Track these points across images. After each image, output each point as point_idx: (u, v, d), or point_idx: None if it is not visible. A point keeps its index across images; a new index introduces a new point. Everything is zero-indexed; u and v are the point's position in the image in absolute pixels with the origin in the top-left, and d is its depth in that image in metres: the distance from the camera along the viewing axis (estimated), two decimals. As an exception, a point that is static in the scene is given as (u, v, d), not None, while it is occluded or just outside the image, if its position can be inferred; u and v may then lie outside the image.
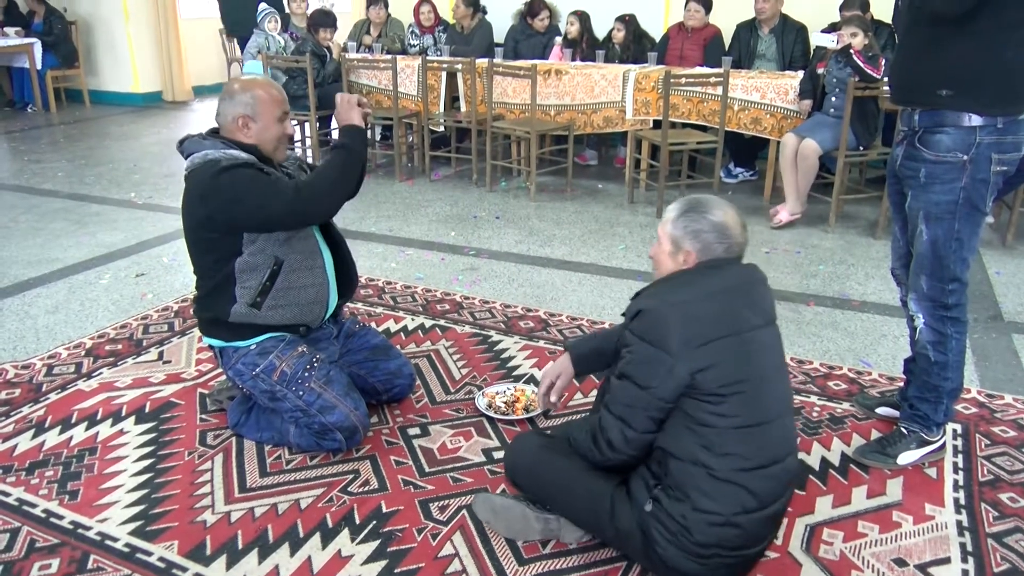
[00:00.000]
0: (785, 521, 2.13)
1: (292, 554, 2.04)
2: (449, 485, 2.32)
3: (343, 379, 2.46)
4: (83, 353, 3.12)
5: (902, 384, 2.60)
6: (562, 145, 5.93)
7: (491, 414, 2.67)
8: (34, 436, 2.56)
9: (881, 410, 2.69)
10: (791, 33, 5.81)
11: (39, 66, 8.78)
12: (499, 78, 5.72)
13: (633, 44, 6.20)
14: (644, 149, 5.43)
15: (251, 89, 2.37)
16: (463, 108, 6.08)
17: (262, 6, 6.90)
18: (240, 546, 2.07)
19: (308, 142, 6.53)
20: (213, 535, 2.11)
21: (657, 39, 6.35)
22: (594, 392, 2.25)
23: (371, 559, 2.02)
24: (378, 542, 2.08)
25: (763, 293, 1.91)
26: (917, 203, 2.26)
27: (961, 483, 2.34)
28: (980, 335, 3.34)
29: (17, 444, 2.51)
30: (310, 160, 6.17)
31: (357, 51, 6.81)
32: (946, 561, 2.03)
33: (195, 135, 2.42)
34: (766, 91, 5.07)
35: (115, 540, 2.09)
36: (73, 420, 2.65)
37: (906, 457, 2.40)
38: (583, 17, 6.35)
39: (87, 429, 2.60)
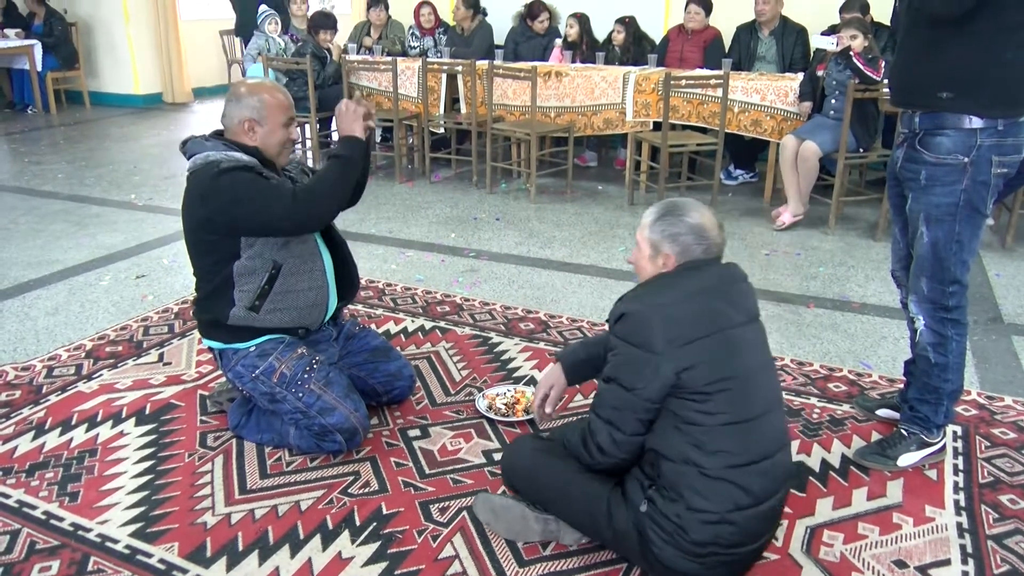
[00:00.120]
0: (785, 523, 2.14)
1: (292, 556, 2.04)
2: (449, 487, 2.32)
3: (343, 381, 2.46)
4: (83, 355, 3.12)
5: (902, 386, 2.60)
6: (562, 147, 5.93)
7: (491, 416, 2.67)
8: (34, 438, 2.56)
9: (881, 412, 2.69)
10: (791, 35, 5.82)
11: (39, 68, 8.78)
12: (499, 80, 5.73)
13: (633, 46, 6.21)
14: (644, 151, 5.44)
15: (258, 93, 2.37)
16: (463, 110, 6.08)
17: (262, 8, 6.91)
18: (240, 548, 2.07)
19: (308, 144, 6.53)
20: (213, 537, 2.11)
21: (657, 41, 6.36)
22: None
23: (371, 561, 2.02)
24: (378, 544, 2.08)
25: (744, 291, 1.93)
26: (917, 205, 2.27)
27: (961, 485, 2.34)
28: (980, 337, 3.34)
29: (17, 446, 2.51)
30: (310, 163, 6.17)
31: (357, 53, 6.82)
32: (946, 563, 2.03)
33: (198, 136, 2.42)
34: (766, 93, 5.08)
35: (115, 542, 2.09)
36: (73, 422, 2.65)
37: (906, 459, 2.40)
38: (582, 19, 6.35)
39: (87, 431, 2.60)
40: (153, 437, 2.57)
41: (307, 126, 6.26)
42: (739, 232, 4.78)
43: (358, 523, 2.16)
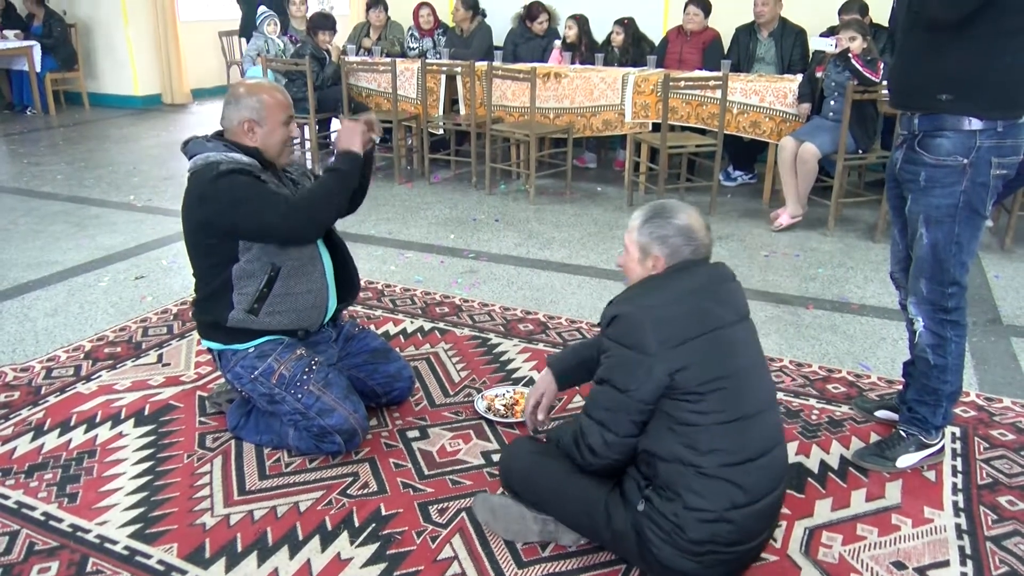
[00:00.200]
0: (784, 524, 2.14)
1: (291, 557, 2.04)
2: (448, 488, 2.32)
3: (342, 382, 2.46)
4: (82, 356, 3.12)
5: (901, 387, 2.60)
6: (561, 148, 5.93)
7: (490, 417, 2.67)
8: (33, 439, 2.55)
9: (880, 413, 2.69)
10: (790, 37, 5.82)
11: (38, 69, 8.77)
12: (498, 81, 5.73)
13: (632, 47, 6.21)
14: (643, 152, 5.44)
15: (257, 93, 2.37)
16: (462, 111, 6.08)
17: (261, 9, 6.91)
18: (239, 549, 2.07)
19: (308, 145, 6.53)
20: (212, 538, 2.11)
21: (656, 42, 6.36)
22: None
23: (370, 562, 2.02)
24: (377, 545, 2.08)
25: (733, 290, 1.95)
26: (917, 207, 2.27)
27: (960, 486, 2.34)
28: (979, 339, 3.34)
29: (16, 447, 2.51)
30: (309, 164, 6.17)
31: (356, 54, 6.82)
32: (945, 564, 2.03)
33: (200, 137, 2.42)
34: (765, 94, 5.08)
35: (114, 543, 2.08)
36: (72, 423, 2.65)
37: (905, 460, 2.40)
38: (581, 21, 6.35)
39: (86, 432, 2.60)
40: (152, 438, 2.57)
41: (306, 127, 6.26)
42: (738, 233, 4.79)
43: (357, 524, 2.16)
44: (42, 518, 2.18)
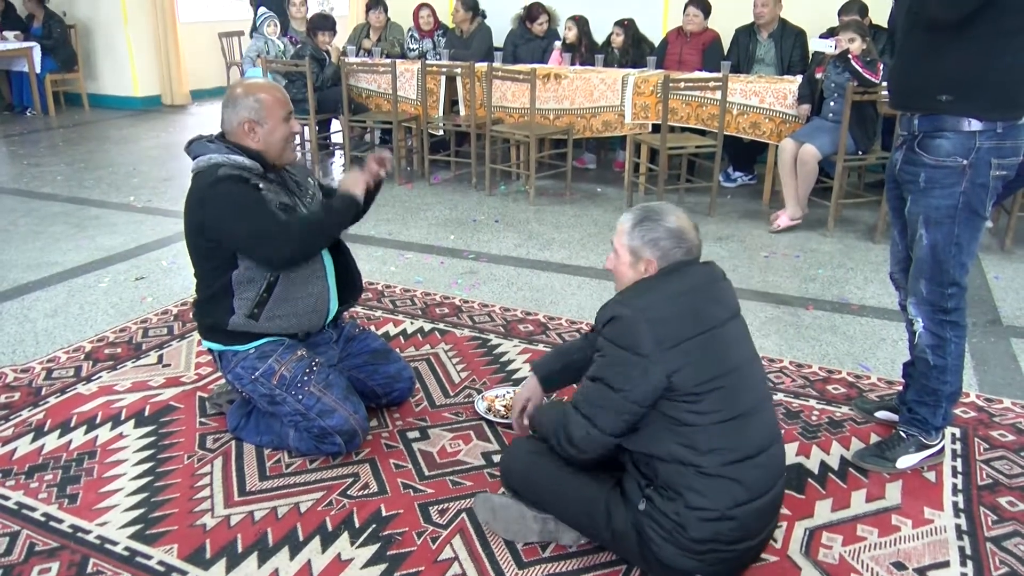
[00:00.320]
0: (784, 524, 2.14)
1: (292, 557, 2.04)
2: (448, 488, 2.32)
3: (342, 383, 2.46)
4: (82, 357, 3.12)
5: (901, 388, 2.60)
6: (561, 149, 5.93)
7: (490, 418, 2.67)
8: (33, 440, 2.55)
9: (880, 414, 2.69)
10: (790, 38, 5.82)
11: (38, 70, 8.77)
12: (498, 82, 5.73)
13: (632, 48, 6.21)
14: (643, 153, 5.44)
15: (254, 93, 2.37)
16: (462, 112, 6.09)
17: (261, 10, 6.91)
18: (240, 549, 2.07)
19: (308, 146, 6.53)
20: (213, 539, 2.11)
21: (656, 43, 6.36)
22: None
23: (371, 562, 2.02)
24: (378, 545, 2.08)
25: (725, 288, 1.96)
26: (917, 207, 2.27)
27: (960, 487, 2.35)
28: (979, 339, 3.34)
29: (16, 448, 2.51)
30: (309, 165, 6.17)
31: (356, 55, 6.82)
32: (945, 565, 2.03)
33: (204, 137, 2.41)
34: (765, 95, 5.09)
35: (115, 544, 2.09)
36: (72, 424, 2.65)
37: (905, 461, 2.40)
38: (581, 22, 6.35)
39: (86, 433, 2.60)
40: (152, 439, 2.57)
41: (306, 128, 6.26)
42: (738, 234, 4.79)
43: (357, 525, 2.16)
44: (42, 519, 2.18)
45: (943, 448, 2.46)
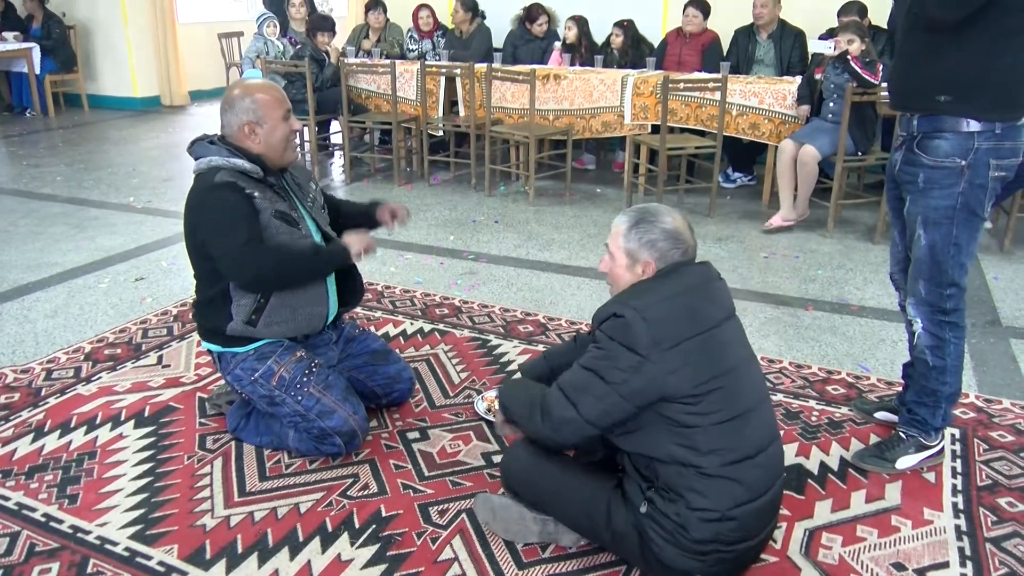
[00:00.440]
0: (784, 525, 2.14)
1: (292, 558, 2.04)
2: (448, 489, 2.32)
3: (342, 383, 2.46)
4: (82, 357, 3.12)
5: (900, 389, 2.61)
6: (561, 150, 5.93)
7: (490, 418, 2.67)
8: (33, 440, 2.55)
9: (880, 415, 2.69)
10: (789, 38, 5.83)
11: (38, 71, 8.77)
12: (498, 83, 5.73)
13: (631, 49, 6.21)
14: (643, 154, 5.44)
15: (251, 94, 2.36)
16: (462, 113, 6.09)
17: (260, 11, 6.91)
18: (240, 550, 2.07)
19: (307, 147, 6.53)
20: (213, 539, 2.11)
21: (655, 44, 6.36)
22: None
23: (371, 563, 2.02)
24: (377, 546, 2.08)
25: (720, 288, 1.96)
26: (915, 208, 2.27)
27: (959, 487, 2.35)
28: (978, 340, 3.34)
29: (16, 448, 2.51)
30: (308, 166, 6.17)
31: (356, 56, 6.82)
32: (945, 565, 2.04)
33: (206, 138, 2.41)
34: (764, 96, 5.09)
35: (115, 544, 2.09)
36: (72, 424, 2.65)
37: (904, 462, 2.41)
38: (581, 22, 6.36)
39: (86, 433, 2.60)
40: (152, 439, 2.57)
41: (306, 129, 6.26)
42: (738, 235, 4.79)
43: (357, 525, 2.16)
44: (43, 519, 2.18)
45: (942, 449, 2.47)
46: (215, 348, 2.46)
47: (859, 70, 4.40)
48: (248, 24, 9.18)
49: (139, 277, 4.04)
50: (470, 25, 6.76)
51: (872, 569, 2.01)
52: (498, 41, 6.90)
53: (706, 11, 6.02)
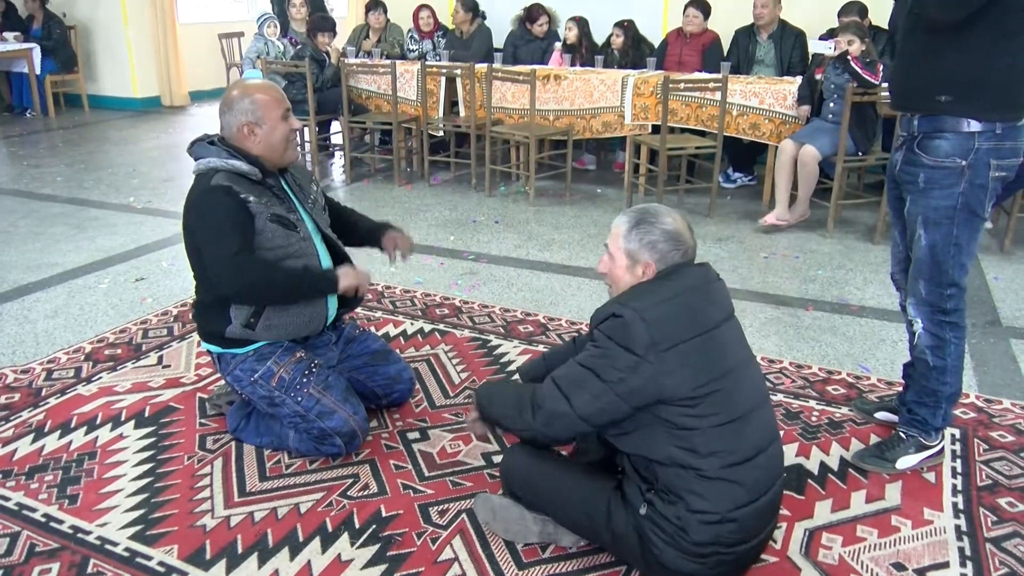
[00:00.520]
0: (784, 525, 2.14)
1: (292, 558, 2.04)
2: (448, 489, 2.32)
3: (341, 384, 2.46)
4: (82, 357, 3.12)
5: (900, 389, 2.61)
6: (561, 150, 5.94)
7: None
8: (34, 440, 2.55)
9: (880, 415, 2.69)
10: (789, 39, 5.83)
11: (38, 71, 8.77)
12: (498, 83, 5.73)
13: (632, 49, 6.22)
14: (643, 154, 5.44)
15: (250, 94, 2.36)
16: (462, 113, 6.09)
17: (261, 11, 6.90)
18: (240, 550, 2.07)
19: (308, 147, 6.53)
20: (213, 539, 2.11)
21: (656, 44, 6.37)
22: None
23: (371, 563, 2.02)
24: (378, 546, 2.08)
25: (719, 289, 1.96)
26: (916, 208, 2.27)
27: (960, 488, 2.35)
28: (978, 340, 3.34)
29: (17, 448, 2.51)
30: (309, 166, 6.17)
31: (356, 56, 6.82)
32: (945, 566, 2.03)
33: (206, 138, 2.41)
34: (764, 96, 5.09)
35: (115, 544, 2.09)
36: (72, 424, 2.65)
37: (905, 462, 2.41)
38: (581, 22, 6.36)
39: (87, 433, 2.60)
40: (152, 440, 2.57)
41: (306, 129, 6.26)
42: (738, 235, 4.79)
43: (357, 525, 2.16)
44: (43, 520, 2.18)
45: (943, 449, 2.46)
46: (215, 349, 2.46)
47: (859, 70, 4.40)
48: (248, 24, 9.20)
49: (139, 277, 4.04)
50: (470, 25, 6.76)
51: (872, 569, 2.01)
52: (498, 41, 6.90)
53: (706, 11, 6.02)
